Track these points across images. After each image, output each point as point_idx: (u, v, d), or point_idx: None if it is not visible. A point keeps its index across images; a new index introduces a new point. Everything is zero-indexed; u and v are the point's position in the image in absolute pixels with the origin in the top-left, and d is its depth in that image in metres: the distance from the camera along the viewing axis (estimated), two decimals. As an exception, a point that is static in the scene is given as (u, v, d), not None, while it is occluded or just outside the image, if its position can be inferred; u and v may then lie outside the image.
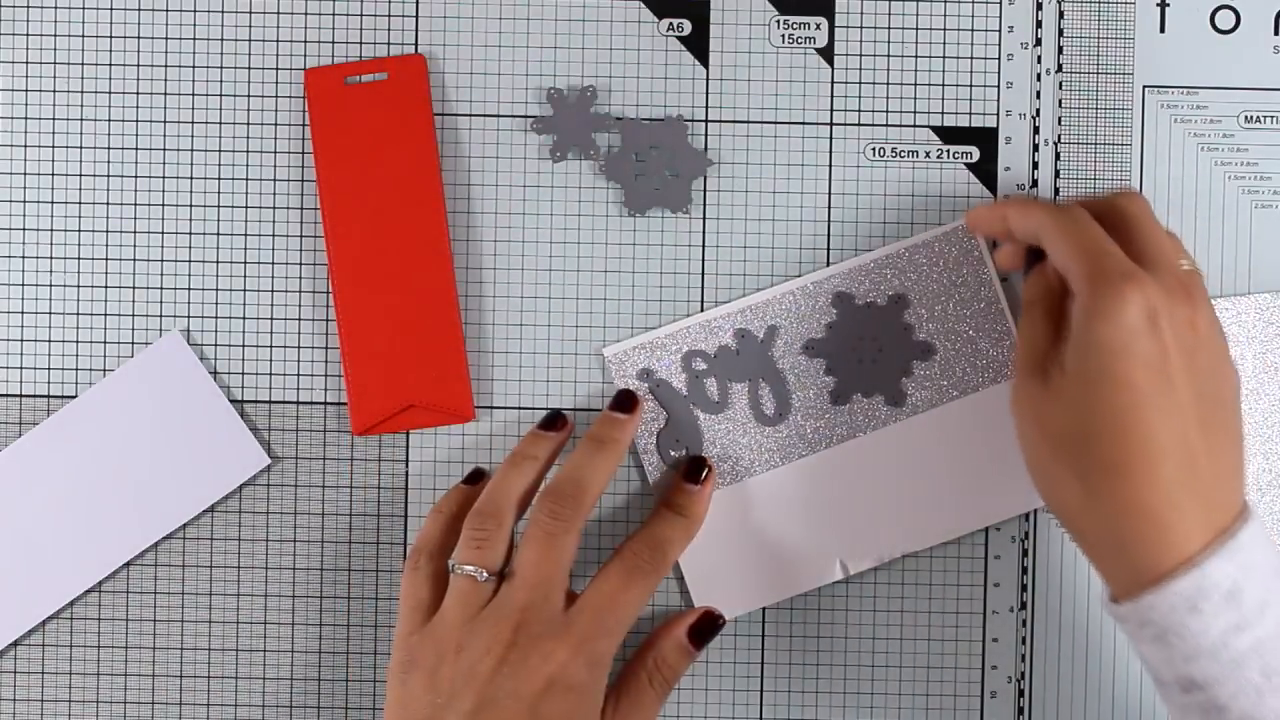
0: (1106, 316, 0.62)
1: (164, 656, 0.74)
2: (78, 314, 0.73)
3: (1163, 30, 0.74)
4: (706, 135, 0.74)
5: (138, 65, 0.74)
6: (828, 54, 0.74)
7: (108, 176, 0.73)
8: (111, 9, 0.73)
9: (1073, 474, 0.63)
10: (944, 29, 0.74)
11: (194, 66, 0.73)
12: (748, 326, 0.73)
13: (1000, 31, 0.74)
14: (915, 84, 0.74)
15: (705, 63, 0.74)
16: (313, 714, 0.74)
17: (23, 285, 0.74)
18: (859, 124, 0.74)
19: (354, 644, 0.74)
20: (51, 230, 0.74)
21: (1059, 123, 0.74)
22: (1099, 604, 0.65)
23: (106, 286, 0.74)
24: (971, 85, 0.74)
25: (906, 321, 0.73)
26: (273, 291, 0.74)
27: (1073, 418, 0.63)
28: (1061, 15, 0.74)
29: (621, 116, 0.74)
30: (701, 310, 0.74)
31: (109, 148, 0.73)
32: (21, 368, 0.74)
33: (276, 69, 0.74)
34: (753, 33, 0.74)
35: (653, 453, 0.73)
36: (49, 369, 0.73)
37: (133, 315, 0.74)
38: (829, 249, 0.74)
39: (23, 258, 0.74)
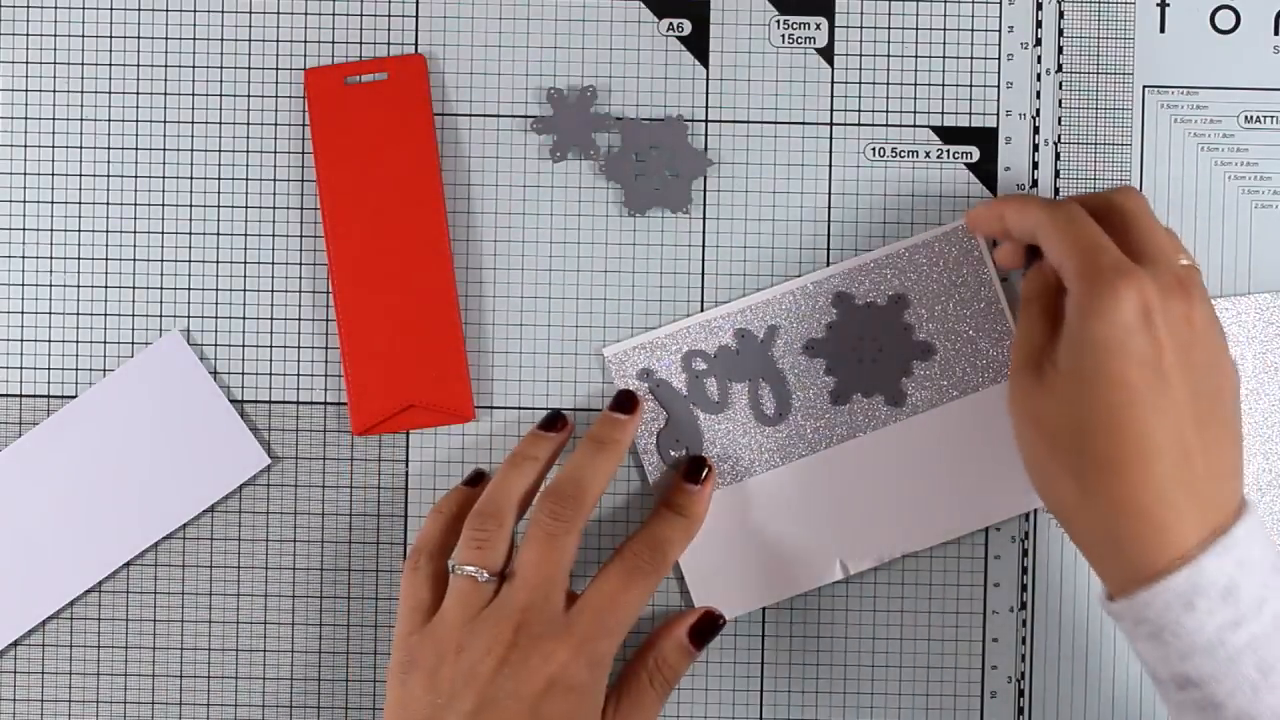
0: (1100, 313, 0.62)
1: (164, 656, 0.74)
2: (78, 314, 0.73)
3: (1163, 30, 0.74)
4: (706, 135, 0.74)
5: (138, 65, 0.74)
6: (828, 54, 0.74)
7: (108, 176, 0.73)
8: (111, 9, 0.73)
9: (1068, 471, 0.63)
10: (944, 29, 0.74)
11: (194, 66, 0.73)
12: (748, 326, 0.73)
13: (1000, 31, 0.74)
14: (915, 84, 0.74)
15: (705, 63, 0.74)
16: (313, 714, 0.74)
17: (23, 285, 0.74)
18: (859, 124, 0.74)
19: (354, 644, 0.74)
20: (51, 230, 0.74)
21: (1059, 123, 0.74)
22: (1098, 604, 0.65)
23: (106, 286, 0.74)
24: (971, 85, 0.74)
25: (906, 321, 0.73)
26: (273, 291, 0.74)
27: (1067, 415, 0.63)
28: (1061, 15, 0.74)
29: (621, 116, 0.74)
30: (701, 310, 0.74)
31: (109, 148, 0.73)
32: (21, 368, 0.74)
33: (276, 69, 0.74)
34: (753, 33, 0.74)
35: (653, 453, 0.73)
36: (49, 369, 0.73)
37: (133, 315, 0.74)
38: (829, 249, 0.74)
39: (23, 258, 0.74)
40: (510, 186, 0.74)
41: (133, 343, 0.74)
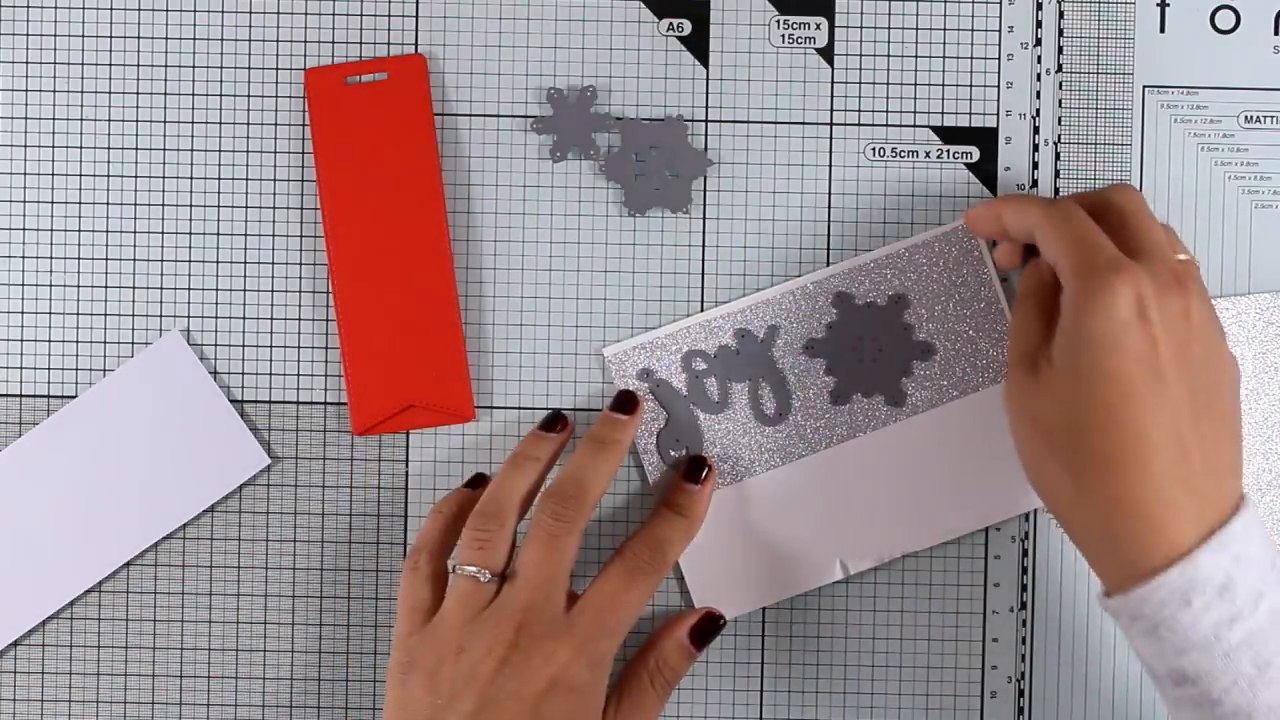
0: (1096, 308, 0.61)
1: (164, 656, 0.74)
2: (78, 314, 0.73)
3: (1163, 30, 0.74)
4: (706, 135, 0.74)
5: (138, 65, 0.74)
6: (828, 54, 0.74)
7: (108, 176, 0.73)
8: (111, 9, 0.73)
9: (1064, 468, 0.63)
10: (944, 29, 0.74)
11: (194, 66, 0.73)
12: (748, 326, 0.73)
13: (1000, 31, 0.74)
14: (915, 84, 0.74)
15: (705, 63, 0.74)
16: (313, 714, 0.74)
17: (23, 285, 0.74)
18: (859, 124, 0.74)
19: (354, 644, 0.74)
20: (51, 230, 0.73)
21: (1059, 123, 0.74)
22: (1097, 601, 0.65)
23: (106, 286, 0.74)
24: (971, 85, 0.74)
25: (906, 321, 0.73)
26: (273, 291, 0.74)
27: (1063, 412, 0.63)
28: (1061, 15, 0.74)
29: (621, 116, 0.74)
30: (701, 310, 0.74)
31: (109, 148, 0.73)
32: (21, 368, 0.74)
33: (276, 69, 0.74)
34: (753, 33, 0.74)
35: (653, 453, 0.73)
36: (49, 369, 0.73)
37: (133, 315, 0.74)
38: (829, 249, 0.74)
39: (23, 258, 0.74)
40: (510, 186, 0.74)
41: (133, 343, 0.74)
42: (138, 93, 0.73)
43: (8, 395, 0.73)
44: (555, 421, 0.72)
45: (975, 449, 0.73)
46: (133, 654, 0.74)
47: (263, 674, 0.74)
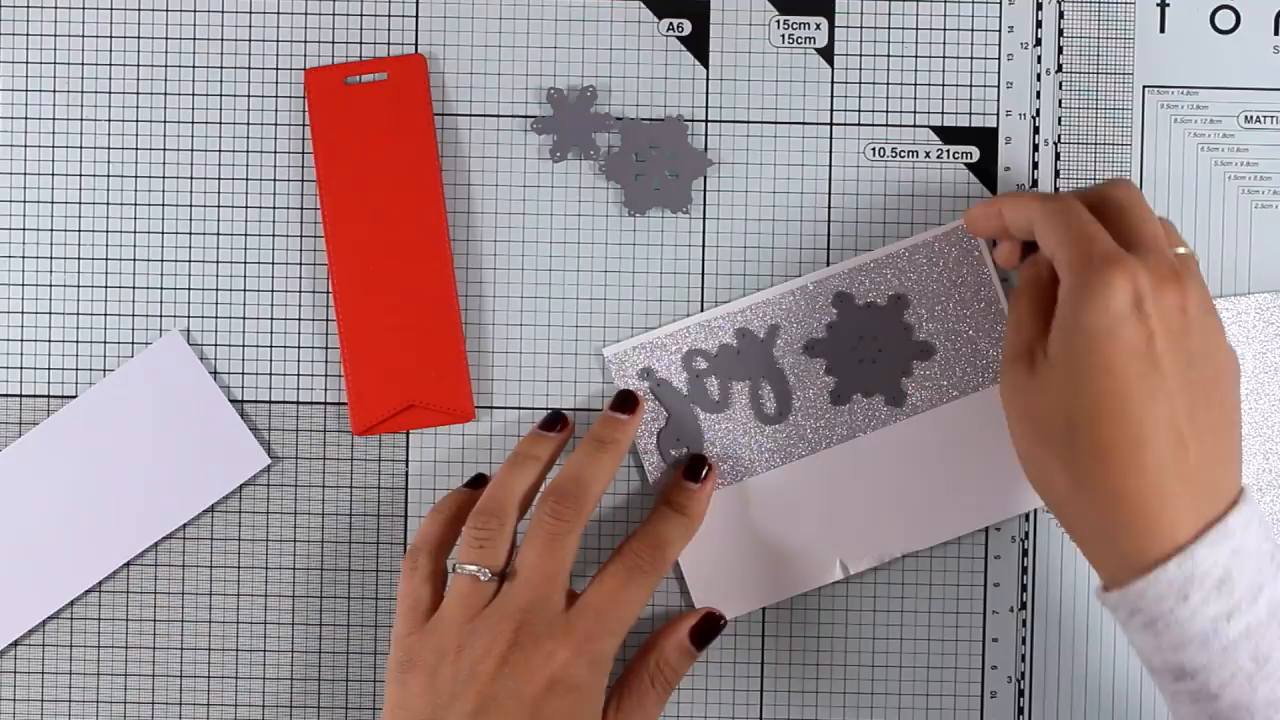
0: (1092, 301, 0.61)
1: (164, 656, 0.74)
2: (78, 314, 0.73)
3: (1163, 30, 0.74)
4: (706, 135, 0.74)
5: (138, 65, 0.74)
6: (828, 54, 0.74)
7: (108, 176, 0.73)
8: (111, 9, 0.73)
9: (1060, 462, 0.63)
10: (944, 29, 0.74)
11: (194, 66, 0.73)
12: (748, 326, 0.73)
13: (1000, 31, 0.74)
14: (915, 84, 0.74)
15: (705, 63, 0.74)
16: (313, 714, 0.74)
17: (23, 285, 0.74)
18: (859, 124, 0.74)
19: (354, 644, 0.74)
20: (51, 230, 0.73)
21: (1059, 123, 0.74)
22: (1095, 597, 0.65)
23: (106, 286, 0.74)
24: (971, 85, 0.74)
25: (906, 321, 0.73)
26: (273, 291, 0.74)
27: (1059, 405, 0.63)
28: (1061, 15, 0.74)
29: (621, 116, 0.74)
30: (702, 310, 0.74)
31: (109, 148, 0.73)
32: (21, 368, 0.74)
33: (276, 69, 0.74)
34: (753, 33, 0.74)
35: (653, 452, 0.73)
36: (49, 369, 0.73)
37: (133, 315, 0.74)
38: (829, 249, 0.74)
39: (23, 258, 0.74)
40: (510, 186, 0.74)
41: (133, 343, 0.74)
42: (138, 93, 0.74)
43: (8, 395, 0.73)
44: (555, 421, 0.72)
45: (975, 449, 0.73)
46: (133, 654, 0.74)
47: (263, 674, 0.74)
